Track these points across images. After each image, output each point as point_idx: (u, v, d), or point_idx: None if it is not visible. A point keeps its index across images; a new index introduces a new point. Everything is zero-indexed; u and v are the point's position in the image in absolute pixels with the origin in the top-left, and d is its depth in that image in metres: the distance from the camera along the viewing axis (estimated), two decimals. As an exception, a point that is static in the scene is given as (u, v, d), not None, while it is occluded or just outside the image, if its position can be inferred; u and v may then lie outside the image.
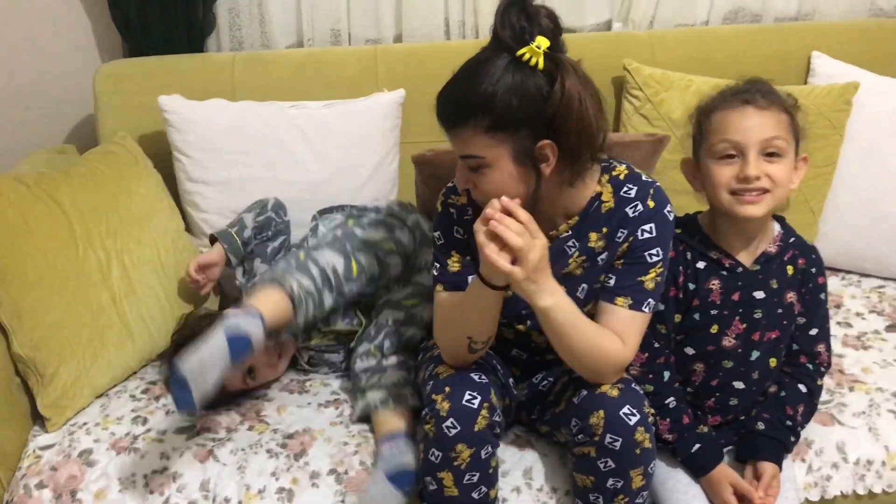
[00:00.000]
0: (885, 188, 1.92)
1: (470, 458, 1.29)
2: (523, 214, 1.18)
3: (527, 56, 1.17)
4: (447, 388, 1.30)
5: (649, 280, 1.33)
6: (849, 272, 2.01)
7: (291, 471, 1.44)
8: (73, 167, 1.72)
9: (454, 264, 1.39)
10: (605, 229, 1.35)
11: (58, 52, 2.10)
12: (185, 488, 1.42)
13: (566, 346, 1.30)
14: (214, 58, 2.04)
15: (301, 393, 1.66)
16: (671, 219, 1.35)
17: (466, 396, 1.29)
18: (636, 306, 1.32)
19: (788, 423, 1.42)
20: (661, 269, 1.33)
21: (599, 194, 1.35)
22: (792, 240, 1.45)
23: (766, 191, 1.32)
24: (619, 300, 1.32)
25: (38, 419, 1.56)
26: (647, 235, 1.32)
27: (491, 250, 1.16)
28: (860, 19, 2.22)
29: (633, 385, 1.34)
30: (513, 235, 1.15)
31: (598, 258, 1.37)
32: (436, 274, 1.41)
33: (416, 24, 2.14)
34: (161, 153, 1.87)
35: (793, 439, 1.43)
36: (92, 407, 1.58)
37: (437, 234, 1.41)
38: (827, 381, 1.60)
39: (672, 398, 1.42)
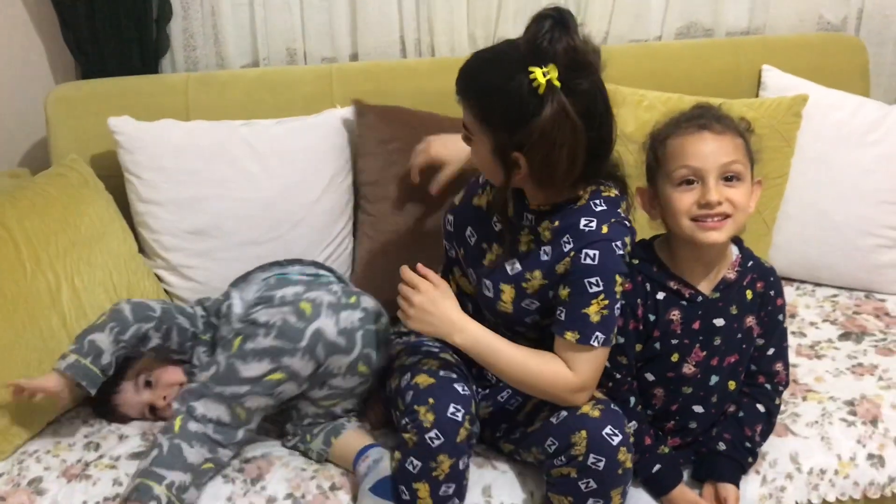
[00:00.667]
0: (836, 197, 1.95)
1: (449, 469, 1.30)
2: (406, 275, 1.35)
3: (533, 76, 1.19)
4: (430, 400, 1.31)
5: (594, 313, 1.30)
6: (803, 282, 2.04)
7: (248, 496, 1.43)
8: (19, 190, 1.70)
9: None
10: (557, 223, 1.35)
11: (10, 74, 2.07)
12: (138, 516, 1.39)
13: (506, 376, 1.36)
14: (168, 78, 2.03)
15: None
16: (618, 255, 1.31)
17: (451, 409, 1.30)
18: (584, 340, 1.30)
19: (747, 444, 1.43)
20: (606, 302, 1.30)
21: (578, 198, 1.35)
22: (750, 263, 1.45)
23: (727, 216, 1.33)
24: (568, 334, 1.31)
25: (-13, 448, 1.53)
26: (588, 261, 1.30)
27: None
28: (809, 33, 2.26)
29: (612, 406, 1.34)
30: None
31: (542, 248, 1.37)
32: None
33: (372, 43, 2.14)
34: (115, 175, 1.85)
35: (750, 460, 1.44)
36: (43, 433, 1.55)
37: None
38: (781, 391, 1.62)
39: (634, 422, 1.42)
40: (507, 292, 1.40)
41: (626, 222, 1.35)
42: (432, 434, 1.28)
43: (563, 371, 1.31)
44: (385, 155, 1.89)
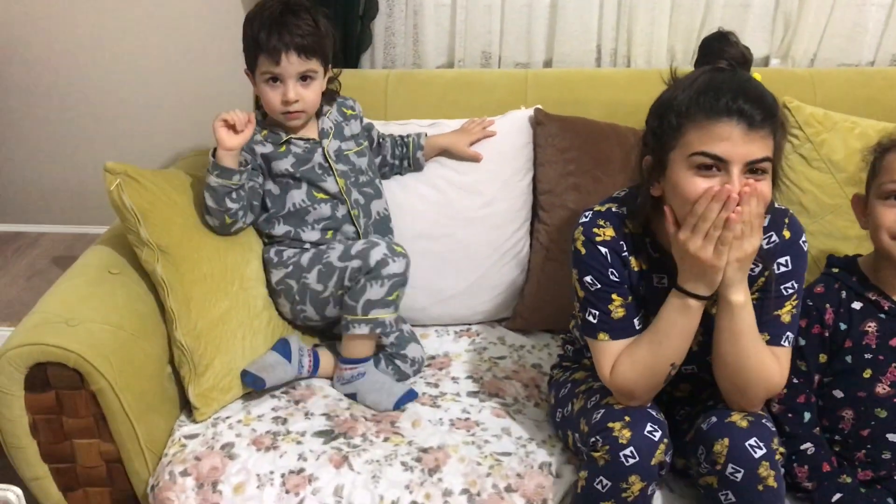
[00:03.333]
0: None
1: (639, 493, 1.27)
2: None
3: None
4: (627, 418, 1.28)
5: (785, 314, 1.32)
6: None
7: (425, 486, 1.45)
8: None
9: (618, 309, 1.35)
10: None
11: (221, 62, 2.21)
12: (320, 492, 1.44)
13: (738, 356, 1.28)
14: (369, 74, 2.10)
15: (433, 407, 1.67)
16: (805, 249, 1.35)
17: (648, 428, 1.27)
18: (775, 341, 1.31)
19: None
20: (797, 302, 1.32)
21: None
22: None
23: None
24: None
25: (184, 409, 1.63)
26: (783, 269, 1.32)
27: (699, 246, 1.19)
28: None
29: (763, 420, 1.29)
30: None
31: None
32: (594, 322, 1.36)
33: (567, 50, 2.13)
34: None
35: None
36: (235, 403, 1.63)
37: (587, 279, 1.35)
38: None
39: (810, 444, 1.37)
40: None
41: (783, 206, 1.40)
42: (627, 451, 1.25)
43: (778, 368, 1.31)
44: (562, 164, 1.89)
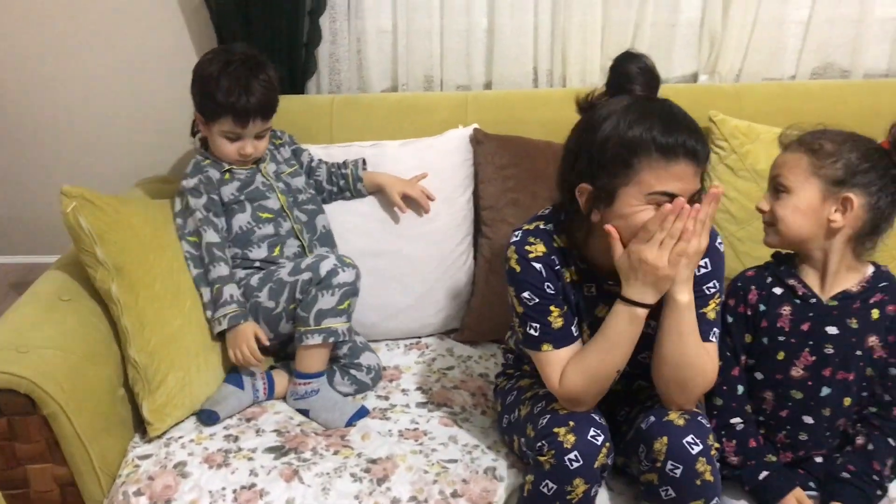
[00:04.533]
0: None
1: (582, 495, 1.33)
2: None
3: None
4: (571, 423, 1.34)
5: (710, 311, 1.40)
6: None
7: (374, 495, 1.49)
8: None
9: (557, 319, 1.41)
10: None
11: (169, 90, 2.25)
12: (271, 505, 1.48)
13: (679, 352, 1.35)
14: (315, 99, 2.16)
15: (383, 419, 1.72)
16: (722, 251, 1.43)
17: (591, 432, 1.33)
18: (704, 337, 1.38)
19: (875, 477, 1.41)
20: (720, 299, 1.42)
21: None
22: (883, 284, 1.46)
23: (769, 224, 1.46)
24: None
25: (137, 430, 1.66)
26: (704, 270, 1.40)
27: (656, 255, 1.27)
28: (956, 76, 2.21)
29: (699, 418, 1.36)
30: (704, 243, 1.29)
31: None
32: (535, 335, 1.41)
33: (506, 72, 2.21)
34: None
35: (879, 493, 1.41)
36: (187, 422, 1.67)
37: (524, 294, 1.41)
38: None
39: (739, 419, 1.46)
40: None
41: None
42: (572, 455, 1.30)
43: (711, 365, 1.39)
44: (501, 181, 1.97)
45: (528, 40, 2.19)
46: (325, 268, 1.68)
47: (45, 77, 2.28)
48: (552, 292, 1.41)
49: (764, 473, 1.42)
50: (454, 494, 1.49)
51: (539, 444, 1.35)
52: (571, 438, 1.31)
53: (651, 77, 1.38)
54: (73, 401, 1.48)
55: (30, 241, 2.43)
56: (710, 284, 1.40)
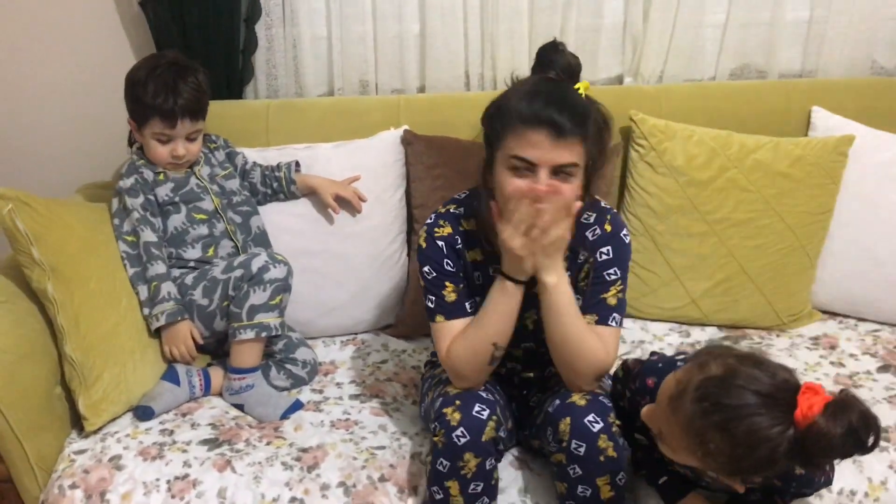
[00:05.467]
0: (880, 235, 1.99)
1: (476, 468, 1.39)
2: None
3: (579, 88, 1.41)
4: (458, 402, 1.41)
5: (611, 297, 1.47)
6: (846, 316, 2.08)
7: (304, 482, 1.55)
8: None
9: (450, 294, 1.51)
10: (567, 252, 1.46)
11: (108, 97, 2.28)
12: (204, 495, 1.53)
13: (560, 332, 1.42)
14: (251, 104, 2.21)
15: (316, 411, 1.77)
16: (627, 242, 1.50)
17: (476, 408, 1.40)
18: (602, 321, 1.46)
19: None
20: (621, 287, 1.48)
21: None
22: None
23: None
24: (587, 317, 1.46)
25: (74, 427, 1.70)
26: (605, 257, 1.48)
27: (509, 235, 1.35)
28: (861, 77, 2.32)
29: (601, 397, 1.44)
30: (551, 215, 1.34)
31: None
32: (432, 307, 1.52)
33: (439, 76, 2.29)
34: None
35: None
36: (123, 418, 1.71)
37: (426, 269, 1.52)
38: (816, 416, 1.67)
39: (641, 435, 1.49)
40: None
41: (608, 206, 1.55)
42: (458, 432, 1.38)
43: (601, 346, 1.45)
44: (431, 180, 2.04)
45: (458, 45, 2.26)
46: (256, 264, 1.74)
47: (-16, 85, 2.31)
48: (450, 269, 1.51)
49: (664, 478, 1.48)
50: (381, 479, 1.56)
51: (433, 425, 1.43)
52: (457, 416, 1.39)
53: (567, 66, 1.44)
54: (7, 398, 1.52)
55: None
56: (611, 271, 1.48)
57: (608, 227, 1.50)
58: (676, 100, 2.20)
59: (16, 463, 1.56)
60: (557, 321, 1.42)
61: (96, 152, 2.35)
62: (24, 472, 1.57)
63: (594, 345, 1.43)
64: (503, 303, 1.43)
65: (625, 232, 1.51)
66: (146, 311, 1.78)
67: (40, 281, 1.62)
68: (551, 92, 1.38)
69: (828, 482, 1.42)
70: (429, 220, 1.54)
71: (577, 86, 1.42)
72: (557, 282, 1.41)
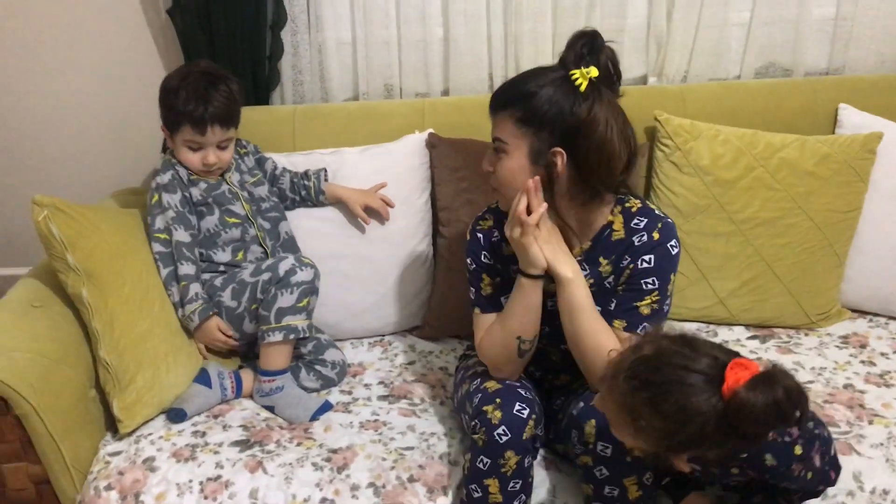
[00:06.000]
0: (910, 233, 1.97)
1: (516, 466, 1.41)
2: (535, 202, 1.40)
3: (575, 76, 1.37)
4: (498, 399, 1.43)
5: (644, 306, 1.46)
6: (876, 315, 2.06)
7: (334, 482, 1.57)
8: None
9: (486, 287, 1.55)
10: (613, 256, 1.47)
11: (138, 104, 2.33)
12: (236, 496, 1.55)
13: (573, 328, 1.44)
14: (278, 110, 2.24)
15: (345, 412, 1.79)
16: (674, 253, 1.47)
17: (517, 407, 1.42)
18: (631, 328, 1.46)
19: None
20: (658, 298, 1.46)
21: (611, 223, 1.48)
22: None
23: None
24: (616, 322, 1.46)
25: (109, 429, 1.73)
26: (645, 265, 1.46)
27: (517, 234, 1.39)
28: (889, 74, 2.29)
29: None
30: (523, 206, 1.39)
31: (605, 282, 1.49)
32: (472, 298, 1.57)
33: (462, 79, 2.30)
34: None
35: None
36: (156, 420, 1.74)
37: (468, 260, 1.58)
38: (847, 414, 1.67)
39: None
40: None
41: (664, 214, 1.51)
42: (500, 430, 1.39)
43: (617, 346, 1.43)
44: (456, 182, 2.05)
45: (482, 48, 2.27)
46: (283, 267, 1.76)
47: (19, 93, 2.35)
48: (487, 262, 1.55)
49: (667, 479, 1.49)
50: (410, 479, 1.57)
51: (473, 422, 1.44)
52: (498, 414, 1.40)
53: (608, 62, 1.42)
54: (44, 401, 1.55)
55: (4, 254, 2.50)
56: (650, 280, 1.46)
57: (656, 235, 1.47)
58: (701, 99, 2.19)
59: (52, 465, 1.58)
60: (572, 317, 1.44)
61: (127, 158, 2.40)
62: (60, 473, 1.60)
63: (609, 345, 1.43)
64: (522, 298, 1.46)
65: (673, 243, 1.47)
66: (180, 312, 1.81)
67: (75, 286, 1.65)
68: (519, 74, 1.45)
69: (826, 482, 1.41)
70: (478, 215, 1.60)
71: (583, 71, 1.37)
72: (573, 277, 1.42)
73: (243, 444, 1.66)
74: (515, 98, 1.41)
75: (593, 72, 1.37)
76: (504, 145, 1.43)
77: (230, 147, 1.91)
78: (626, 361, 1.18)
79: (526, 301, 1.46)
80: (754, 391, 1.08)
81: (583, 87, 1.36)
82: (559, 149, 1.39)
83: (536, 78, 1.41)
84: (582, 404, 1.44)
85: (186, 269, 1.81)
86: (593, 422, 1.39)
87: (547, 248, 1.42)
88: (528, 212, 1.40)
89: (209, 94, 1.82)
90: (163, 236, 1.84)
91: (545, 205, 1.40)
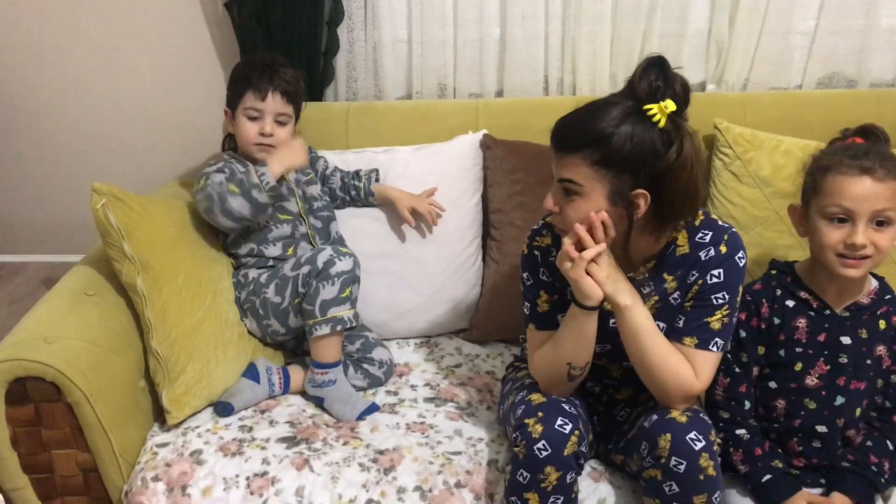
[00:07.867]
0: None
1: (556, 481, 1.37)
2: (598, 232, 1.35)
3: (653, 111, 1.29)
4: (540, 413, 1.39)
5: (715, 321, 1.42)
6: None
7: (381, 484, 1.55)
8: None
9: (543, 304, 1.51)
10: (678, 271, 1.44)
11: (194, 97, 2.34)
12: (283, 493, 1.54)
13: (641, 353, 1.40)
14: (332, 106, 2.24)
15: (391, 413, 1.78)
16: (741, 265, 1.43)
17: (558, 422, 1.38)
18: (702, 345, 1.41)
19: (874, 468, 1.45)
20: (728, 311, 1.42)
21: (675, 239, 1.44)
22: (888, 297, 1.50)
23: (867, 256, 1.39)
24: (687, 340, 1.42)
25: (156, 420, 1.73)
26: (714, 280, 1.42)
27: (568, 267, 1.35)
28: (961, 86, 2.23)
29: (701, 415, 1.41)
30: (587, 236, 1.34)
31: (671, 298, 1.45)
32: (527, 313, 1.54)
33: (517, 81, 2.28)
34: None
35: (883, 480, 1.45)
36: (204, 413, 1.74)
37: (525, 275, 1.54)
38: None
39: (745, 430, 1.49)
40: None
41: (726, 224, 1.47)
42: (540, 445, 1.36)
43: (689, 369, 1.41)
44: (510, 185, 2.03)
45: (538, 50, 2.25)
46: (321, 259, 1.76)
47: (77, 85, 2.38)
48: (545, 279, 1.51)
49: (767, 476, 1.45)
50: (458, 485, 1.55)
51: (514, 435, 1.41)
52: (539, 428, 1.37)
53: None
54: (95, 389, 1.55)
55: (59, 241, 2.53)
56: (720, 295, 1.42)
57: (723, 249, 1.43)
58: (761, 108, 2.15)
59: (101, 453, 1.59)
60: (636, 342, 1.41)
61: (182, 150, 2.41)
62: (108, 462, 1.60)
63: (679, 367, 1.40)
64: (575, 327, 1.42)
65: (741, 254, 1.44)
66: (255, 192, 1.79)
67: (130, 275, 1.66)
68: (583, 109, 1.36)
69: None
70: (535, 227, 1.55)
71: (661, 106, 1.29)
72: (632, 304, 1.38)
73: (290, 441, 1.65)
74: (590, 140, 1.30)
75: (671, 105, 1.28)
76: (578, 187, 1.34)
77: (287, 128, 1.92)
78: None
79: (579, 330, 1.42)
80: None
81: (661, 124, 1.29)
82: (642, 191, 1.33)
83: (605, 114, 1.30)
84: (656, 417, 1.40)
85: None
86: (668, 436, 1.35)
87: (608, 281, 1.37)
88: (581, 247, 1.36)
89: (276, 67, 1.89)
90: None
91: (604, 245, 1.35)
